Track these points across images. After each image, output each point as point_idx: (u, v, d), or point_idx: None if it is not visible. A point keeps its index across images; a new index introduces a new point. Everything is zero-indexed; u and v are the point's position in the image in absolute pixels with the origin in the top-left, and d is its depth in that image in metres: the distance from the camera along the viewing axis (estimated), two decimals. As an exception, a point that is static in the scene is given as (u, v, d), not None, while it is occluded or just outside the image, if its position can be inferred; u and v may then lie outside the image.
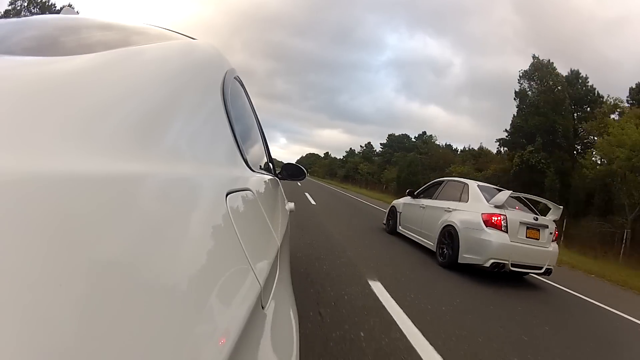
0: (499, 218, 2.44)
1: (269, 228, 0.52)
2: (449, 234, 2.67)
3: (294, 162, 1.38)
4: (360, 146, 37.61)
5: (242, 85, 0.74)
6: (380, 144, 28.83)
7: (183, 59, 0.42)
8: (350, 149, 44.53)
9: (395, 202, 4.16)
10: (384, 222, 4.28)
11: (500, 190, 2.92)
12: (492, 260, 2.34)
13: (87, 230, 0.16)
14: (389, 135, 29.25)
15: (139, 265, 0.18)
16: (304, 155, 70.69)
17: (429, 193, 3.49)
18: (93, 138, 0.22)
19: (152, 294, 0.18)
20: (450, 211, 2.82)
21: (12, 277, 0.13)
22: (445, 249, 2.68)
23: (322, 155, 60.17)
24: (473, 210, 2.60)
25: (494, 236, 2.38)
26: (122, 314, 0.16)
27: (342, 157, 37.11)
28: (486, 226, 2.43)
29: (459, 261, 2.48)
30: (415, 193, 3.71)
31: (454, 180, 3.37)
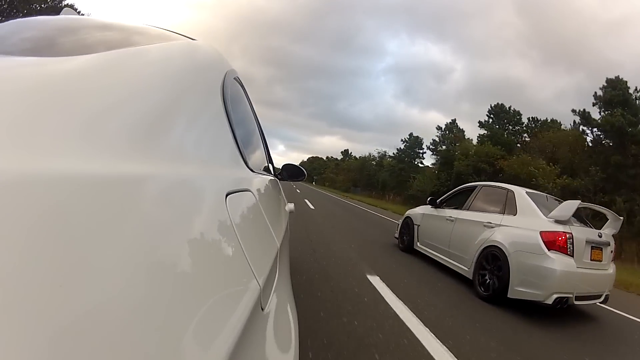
0: (564, 237, 2.17)
1: (269, 229, 0.60)
2: (493, 258, 2.46)
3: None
4: (377, 150, 38.49)
5: (242, 86, 0.84)
6: (398, 149, 28.37)
7: (183, 59, 0.49)
8: (347, 150, 46.06)
9: (410, 212, 3.96)
10: (396, 235, 4.13)
11: (558, 201, 2.72)
12: (555, 295, 2.10)
13: (87, 230, 0.19)
14: (408, 135, 28.89)
15: (139, 265, 0.21)
16: (305, 160, 72.72)
17: (457, 202, 3.31)
18: (94, 138, 0.26)
19: (152, 294, 0.21)
20: (493, 227, 2.60)
21: (13, 278, 0.15)
22: (487, 278, 2.47)
23: (327, 158, 60.19)
24: (527, 226, 2.36)
25: (558, 262, 2.13)
26: (122, 314, 0.18)
27: (374, 157, 32.85)
28: (548, 249, 2.17)
29: (508, 295, 2.25)
30: (437, 201, 3.51)
31: (492, 186, 3.15)
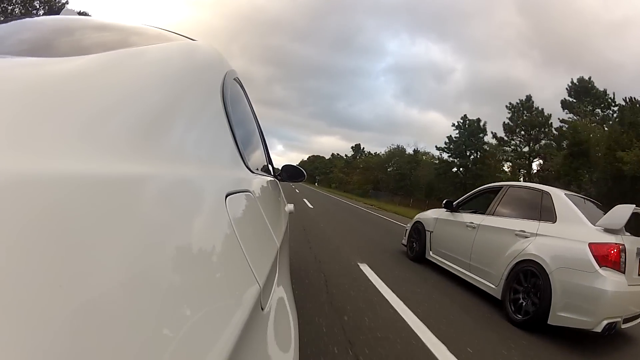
0: (616, 250, 2.00)
1: (269, 229, 0.66)
2: (530, 275, 2.27)
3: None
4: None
5: (242, 86, 0.92)
6: (448, 138, 23.91)
7: (183, 60, 0.53)
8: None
9: (421, 216, 3.86)
10: (404, 242, 4.04)
11: (594, 204, 2.59)
12: (606, 321, 1.93)
13: (87, 231, 0.21)
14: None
15: (139, 266, 0.23)
16: (305, 159, 73.96)
17: (477, 205, 3.20)
18: (93, 139, 0.28)
19: (151, 295, 0.23)
20: (527, 237, 2.42)
21: (13, 278, 0.16)
22: (521, 300, 2.28)
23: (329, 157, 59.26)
24: (570, 236, 2.18)
25: (610, 282, 1.95)
26: (122, 315, 0.20)
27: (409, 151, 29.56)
28: (600, 265, 1.99)
29: (549, 322, 2.08)
30: (455, 204, 3.37)
31: (521, 187, 3.01)
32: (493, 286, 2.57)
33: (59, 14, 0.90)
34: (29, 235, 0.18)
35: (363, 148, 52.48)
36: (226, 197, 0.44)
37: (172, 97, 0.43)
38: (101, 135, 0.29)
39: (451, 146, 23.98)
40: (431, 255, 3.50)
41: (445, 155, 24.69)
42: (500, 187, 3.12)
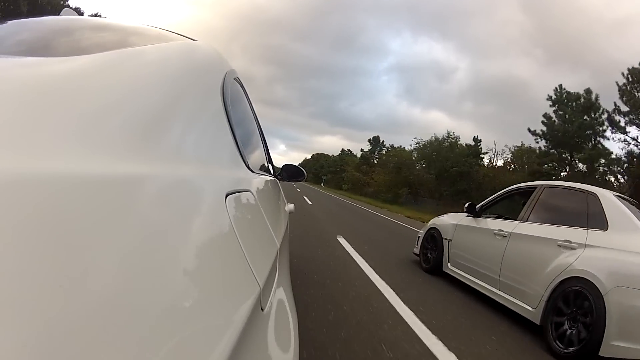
0: None
1: (269, 229, 0.70)
2: (578, 296, 2.05)
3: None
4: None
5: (242, 86, 0.98)
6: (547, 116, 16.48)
7: (183, 60, 0.57)
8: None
9: (436, 222, 3.68)
10: (416, 251, 3.89)
11: None
12: None
13: (87, 231, 0.23)
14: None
15: (139, 266, 0.25)
16: (309, 158, 73.34)
17: (506, 209, 3.07)
18: (93, 139, 0.30)
19: (151, 295, 0.25)
20: (574, 248, 2.20)
21: (13, 278, 0.17)
22: (565, 326, 2.06)
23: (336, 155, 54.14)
24: (628, 247, 1.99)
25: None
26: (122, 314, 0.22)
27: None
28: None
29: (601, 353, 1.86)
30: (477, 208, 3.16)
31: (562, 187, 2.80)
32: (530, 308, 2.35)
33: (58, 14, 0.98)
34: (28, 234, 0.19)
35: (383, 141, 46.10)
36: (226, 196, 0.47)
37: (172, 97, 0.47)
38: (101, 135, 0.31)
39: (548, 133, 15.73)
40: (449, 268, 3.32)
41: (539, 144, 16.74)
42: (534, 188, 2.89)
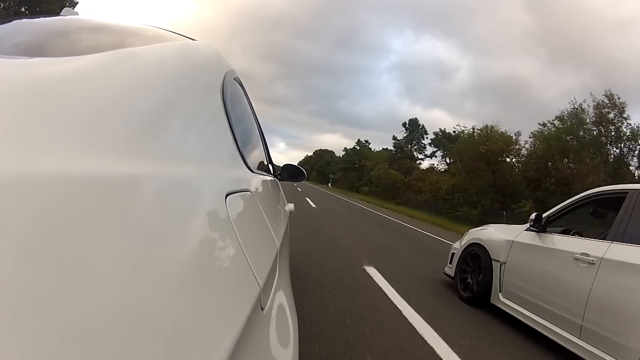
0: None
1: (269, 229, 0.71)
2: None
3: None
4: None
5: (242, 86, 0.99)
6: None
7: (183, 60, 0.58)
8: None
9: (480, 235, 2.82)
10: (449, 272, 3.04)
11: None
12: None
13: (86, 230, 0.23)
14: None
15: (139, 265, 0.25)
16: (311, 155, 70.96)
17: (572, 220, 2.35)
18: (93, 139, 0.30)
19: (151, 295, 0.25)
20: None
21: (12, 277, 0.18)
22: None
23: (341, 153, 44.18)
24: None
25: None
26: (122, 315, 0.22)
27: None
28: None
29: None
30: (544, 219, 2.35)
31: None
32: None
33: (59, 15, 0.99)
34: (28, 234, 0.20)
35: (422, 126, 33.63)
36: (226, 196, 0.48)
37: (172, 97, 0.47)
38: (101, 135, 0.32)
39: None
40: (501, 301, 2.46)
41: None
42: (624, 193, 2.04)
